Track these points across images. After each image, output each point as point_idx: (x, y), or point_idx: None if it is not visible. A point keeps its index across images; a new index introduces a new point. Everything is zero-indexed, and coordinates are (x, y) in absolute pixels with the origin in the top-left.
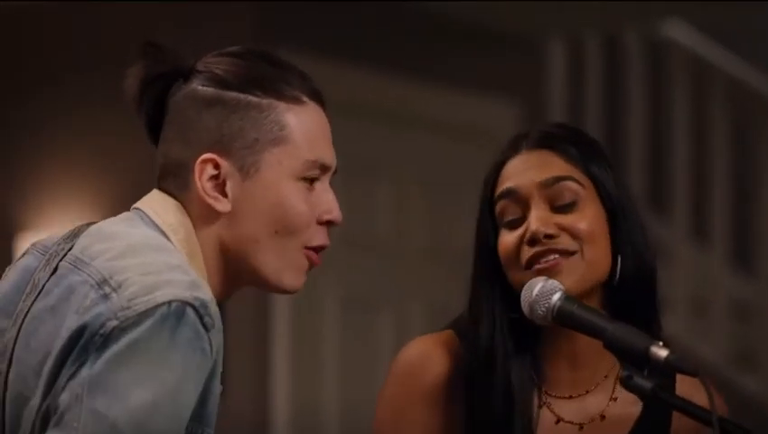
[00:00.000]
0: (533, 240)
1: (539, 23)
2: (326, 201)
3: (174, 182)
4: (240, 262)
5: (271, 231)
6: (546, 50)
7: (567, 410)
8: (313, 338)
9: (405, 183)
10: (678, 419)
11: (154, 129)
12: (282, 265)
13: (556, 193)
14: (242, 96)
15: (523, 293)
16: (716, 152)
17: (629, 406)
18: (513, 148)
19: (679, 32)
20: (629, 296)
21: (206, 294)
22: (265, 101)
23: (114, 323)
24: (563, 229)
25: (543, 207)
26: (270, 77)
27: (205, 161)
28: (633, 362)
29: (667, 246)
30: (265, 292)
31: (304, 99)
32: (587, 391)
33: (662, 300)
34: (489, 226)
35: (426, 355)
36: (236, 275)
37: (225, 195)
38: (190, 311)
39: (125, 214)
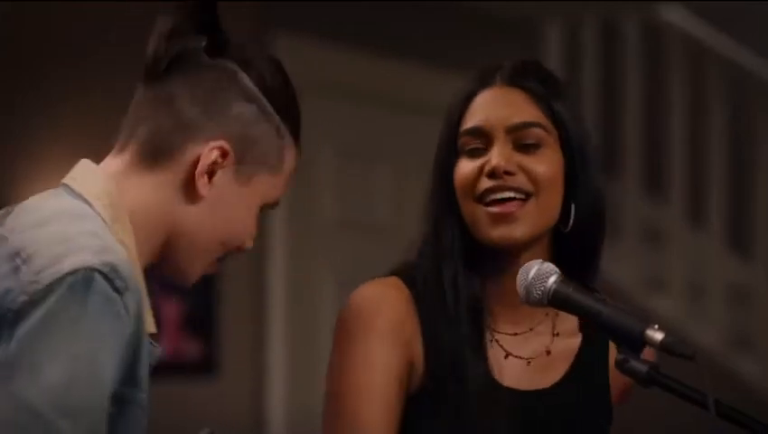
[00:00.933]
0: (493, 174)
1: (537, 7)
2: (254, 230)
3: (161, 137)
4: (171, 250)
5: (219, 239)
6: (543, 34)
7: (515, 345)
8: (310, 324)
9: (403, 167)
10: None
11: (154, 76)
12: (199, 268)
13: (522, 136)
14: (276, 115)
15: (519, 276)
16: (713, 135)
17: (570, 340)
18: (483, 82)
19: (676, 15)
20: (576, 243)
21: (117, 257)
22: (283, 128)
23: (24, 298)
24: (522, 168)
25: (507, 146)
26: (293, 111)
27: (222, 147)
28: (628, 344)
29: (663, 229)
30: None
31: (295, 140)
32: (531, 329)
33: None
34: (452, 155)
35: (381, 297)
36: (161, 256)
37: (211, 182)
38: (98, 277)
39: (53, 190)
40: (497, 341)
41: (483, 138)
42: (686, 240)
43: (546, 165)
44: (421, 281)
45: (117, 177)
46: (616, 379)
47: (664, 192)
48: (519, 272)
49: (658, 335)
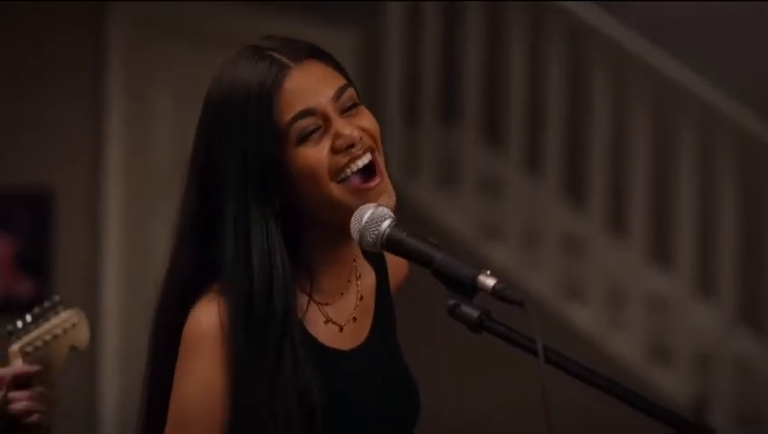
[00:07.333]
0: (351, 145)
1: None
2: None
3: None
4: None
5: None
6: None
7: (343, 311)
8: (146, 263)
9: None
10: (391, 269)
11: None
12: None
13: (344, 101)
14: None
15: (353, 220)
16: (550, 85)
17: (368, 277)
18: (278, 65)
19: None
20: None
21: None
22: None
23: None
24: (363, 130)
25: (339, 117)
26: None
27: None
28: (460, 290)
29: (500, 178)
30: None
31: None
32: (349, 281)
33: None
34: (273, 146)
35: (213, 321)
36: None
37: None
38: None
39: None
40: (331, 320)
41: (317, 118)
42: (522, 188)
43: (371, 117)
44: (237, 294)
45: None
46: (395, 277)
47: (501, 140)
48: (354, 216)
49: (489, 281)
